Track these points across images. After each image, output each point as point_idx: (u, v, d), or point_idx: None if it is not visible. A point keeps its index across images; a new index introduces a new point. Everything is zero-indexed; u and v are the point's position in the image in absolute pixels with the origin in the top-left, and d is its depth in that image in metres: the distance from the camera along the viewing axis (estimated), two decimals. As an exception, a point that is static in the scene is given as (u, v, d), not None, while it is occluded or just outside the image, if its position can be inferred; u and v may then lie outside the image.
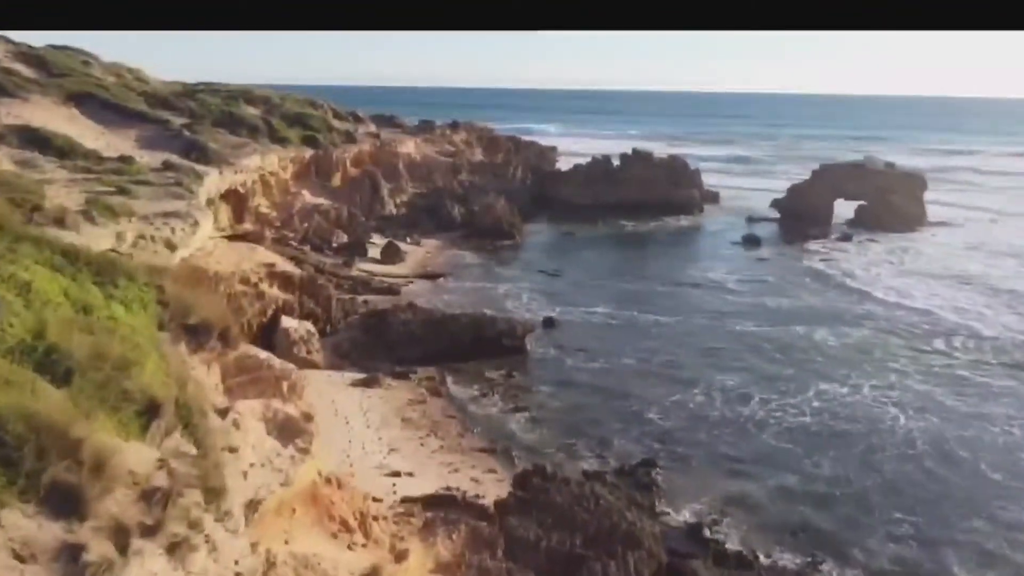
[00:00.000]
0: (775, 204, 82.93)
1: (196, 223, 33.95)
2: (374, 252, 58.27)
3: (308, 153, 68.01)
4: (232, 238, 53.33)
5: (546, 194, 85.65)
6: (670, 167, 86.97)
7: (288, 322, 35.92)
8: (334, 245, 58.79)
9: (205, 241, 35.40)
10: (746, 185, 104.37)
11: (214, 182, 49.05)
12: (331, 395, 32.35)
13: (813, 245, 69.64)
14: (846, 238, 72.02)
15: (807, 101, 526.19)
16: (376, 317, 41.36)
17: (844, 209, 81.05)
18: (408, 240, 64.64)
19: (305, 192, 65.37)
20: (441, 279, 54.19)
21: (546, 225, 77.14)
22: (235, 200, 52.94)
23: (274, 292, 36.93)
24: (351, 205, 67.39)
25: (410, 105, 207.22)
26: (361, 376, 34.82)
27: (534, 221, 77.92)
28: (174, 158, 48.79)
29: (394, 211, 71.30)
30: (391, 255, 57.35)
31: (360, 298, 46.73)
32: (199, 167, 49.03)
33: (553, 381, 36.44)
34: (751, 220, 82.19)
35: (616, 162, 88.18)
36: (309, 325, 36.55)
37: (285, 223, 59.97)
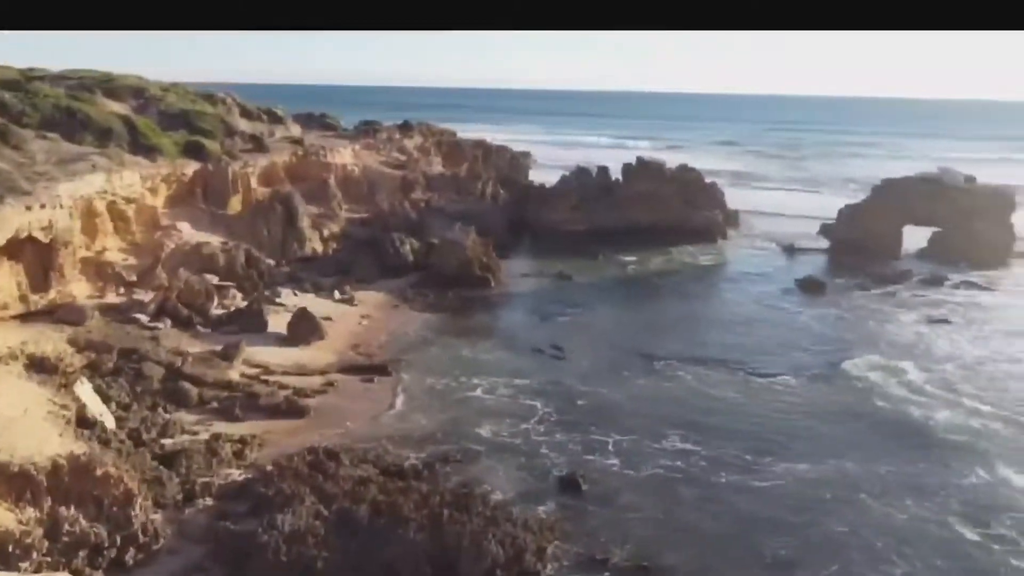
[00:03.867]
0: (824, 231, 64.17)
1: None
2: (280, 323, 37.64)
3: (192, 168, 47.22)
4: (24, 318, 32.46)
5: (527, 217, 65.74)
6: (683, 182, 67.68)
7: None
8: (215, 313, 38.02)
9: None
10: (761, 203, 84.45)
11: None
12: None
13: (896, 292, 50.84)
14: (937, 281, 53.27)
15: (762, 102, 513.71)
16: (243, 502, 21.05)
17: (910, 237, 62.84)
18: (337, 294, 44.23)
19: (184, 226, 44.58)
20: (380, 376, 33.79)
21: (531, 262, 57.06)
22: (33, 254, 31.97)
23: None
24: (255, 243, 46.69)
25: (348, 106, 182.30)
26: None
27: (514, 256, 57.96)
28: None
29: (319, 249, 50.66)
30: (304, 330, 36.77)
31: (227, 446, 25.89)
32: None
33: None
34: (792, 251, 63.47)
35: (615, 176, 68.80)
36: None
37: (144, 277, 39.09)
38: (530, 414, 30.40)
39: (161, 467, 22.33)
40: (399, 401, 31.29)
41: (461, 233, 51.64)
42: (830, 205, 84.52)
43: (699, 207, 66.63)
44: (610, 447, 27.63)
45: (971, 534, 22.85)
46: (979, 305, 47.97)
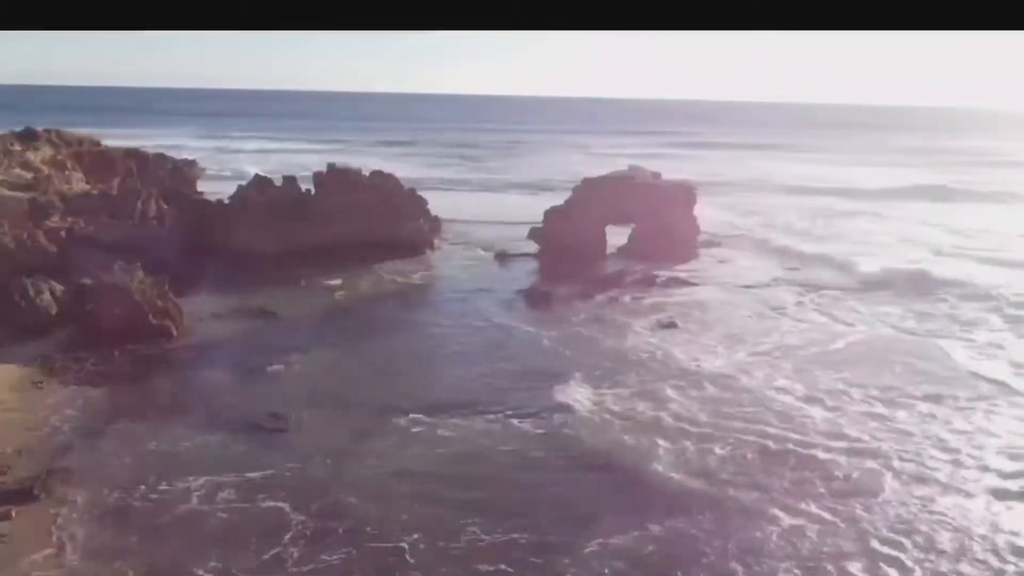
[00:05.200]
0: (532, 235, 62.26)
1: None
2: None
3: None
4: None
5: (207, 240, 54.96)
6: (383, 190, 61.65)
7: None
8: None
9: None
10: (453, 206, 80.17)
11: None
12: None
13: (618, 297, 49.77)
14: (649, 280, 53.50)
15: (434, 101, 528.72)
16: None
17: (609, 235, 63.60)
18: (-57, 376, 31.24)
19: None
20: (22, 505, 23.16)
21: (221, 297, 46.99)
22: None
23: None
24: None
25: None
26: None
27: (198, 292, 47.48)
28: None
29: (-92, 311, 36.23)
30: None
31: None
32: None
33: None
34: (504, 258, 60.81)
35: (306, 186, 60.69)
36: None
37: None
38: (278, 527, 22.37)
39: None
40: (61, 546, 21.27)
41: (123, 272, 40.37)
42: (522, 205, 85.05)
43: (403, 217, 61.13)
44: (407, 556, 20.83)
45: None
46: (695, 303, 48.32)
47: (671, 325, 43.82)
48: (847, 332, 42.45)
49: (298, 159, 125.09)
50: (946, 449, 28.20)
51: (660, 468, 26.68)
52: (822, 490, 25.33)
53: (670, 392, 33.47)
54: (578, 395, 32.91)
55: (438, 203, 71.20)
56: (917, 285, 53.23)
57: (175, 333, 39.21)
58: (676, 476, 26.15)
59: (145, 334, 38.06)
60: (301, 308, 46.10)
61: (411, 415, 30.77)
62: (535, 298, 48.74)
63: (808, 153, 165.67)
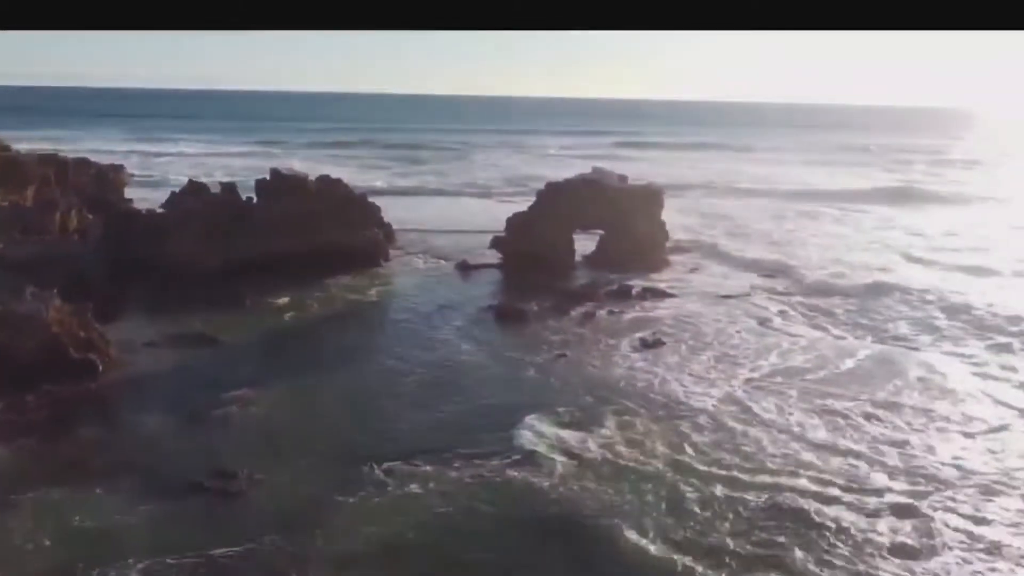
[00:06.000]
0: (496, 243, 58.31)
1: None
2: None
3: None
4: None
5: (138, 255, 49.26)
6: (333, 198, 56.89)
7: None
8: None
9: None
10: (398, 214, 75.01)
11: None
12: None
13: (595, 312, 46.09)
14: (625, 292, 50.05)
15: (368, 101, 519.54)
16: None
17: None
18: None
19: None
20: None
21: (155, 322, 41.58)
22: None
23: None
24: None
25: None
26: None
27: (128, 317, 41.99)
28: None
29: None
30: None
31: None
32: None
33: None
34: (465, 268, 56.77)
35: (246, 193, 55.54)
36: None
37: None
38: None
39: None
40: None
41: (37, 299, 34.88)
42: (478, 210, 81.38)
43: (355, 226, 56.41)
44: None
45: None
46: (678, 318, 44.72)
47: (657, 344, 40.32)
48: (846, 348, 39.55)
49: (230, 162, 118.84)
50: (994, 493, 25.23)
51: (663, 537, 22.59)
52: (866, 560, 21.84)
53: (668, 433, 29.32)
54: (571, 438, 28.76)
55: (386, 209, 66.71)
56: (890, 293, 51.03)
57: (101, 369, 33.97)
58: (682, 549, 22.07)
59: (65, 372, 32.70)
60: (246, 333, 41.18)
61: (385, 464, 26.48)
62: (506, 316, 44.75)
63: (762, 153, 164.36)
